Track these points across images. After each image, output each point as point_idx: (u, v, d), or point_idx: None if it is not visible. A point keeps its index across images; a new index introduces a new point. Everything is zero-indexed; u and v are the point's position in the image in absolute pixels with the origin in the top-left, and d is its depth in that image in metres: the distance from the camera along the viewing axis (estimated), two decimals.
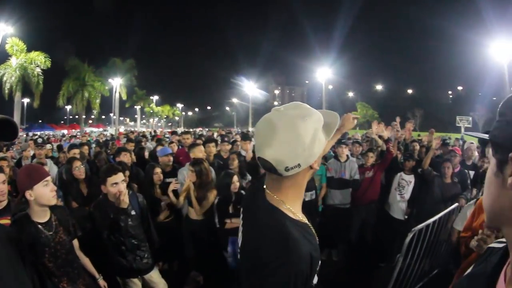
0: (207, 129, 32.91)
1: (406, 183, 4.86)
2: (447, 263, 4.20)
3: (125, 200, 2.77)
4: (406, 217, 4.91)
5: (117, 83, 33.19)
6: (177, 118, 73.26)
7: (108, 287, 2.77)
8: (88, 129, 40.09)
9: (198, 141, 5.64)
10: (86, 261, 2.65)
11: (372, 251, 4.86)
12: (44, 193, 2.16)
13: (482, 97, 49.29)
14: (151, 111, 54.57)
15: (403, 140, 6.26)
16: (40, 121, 54.26)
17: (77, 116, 35.13)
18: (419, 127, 42.14)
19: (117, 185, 2.79)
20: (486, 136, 0.68)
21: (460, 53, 54.60)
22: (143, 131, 26.32)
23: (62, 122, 62.36)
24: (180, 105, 73.54)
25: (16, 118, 21.28)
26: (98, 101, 29.87)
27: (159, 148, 5.72)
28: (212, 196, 3.85)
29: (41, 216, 2.24)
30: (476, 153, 5.78)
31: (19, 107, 21.84)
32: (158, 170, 4.30)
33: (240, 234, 1.24)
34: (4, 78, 20.83)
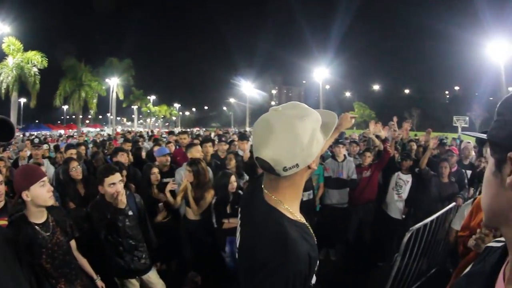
0: (204, 129, 32.88)
1: (403, 182, 4.87)
2: (445, 262, 4.22)
3: (122, 200, 2.76)
4: (403, 216, 4.93)
5: (114, 83, 33.06)
6: (174, 118, 73.07)
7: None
8: (85, 129, 39.97)
9: (196, 141, 5.63)
10: (83, 262, 2.63)
11: (370, 250, 4.87)
12: (41, 193, 2.15)
13: (478, 97, 49.51)
14: (148, 111, 54.43)
15: (400, 139, 6.27)
16: (36, 121, 54.03)
17: (74, 116, 34.89)
18: (416, 127, 42.34)
19: (115, 185, 2.78)
20: (484, 136, 0.68)
21: (457, 53, 54.87)
22: (141, 131, 26.26)
23: (59, 122, 62.00)
24: (177, 105, 73.43)
25: (13, 118, 21.15)
26: (95, 101, 29.69)
27: (156, 148, 5.70)
28: (210, 196, 3.85)
29: (38, 217, 2.22)
30: (473, 153, 5.80)
31: (15, 107, 21.69)
32: (155, 170, 4.30)
33: (238, 234, 1.24)
34: (1, 78, 20.65)
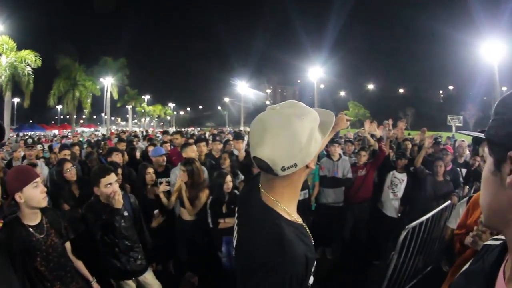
0: (198, 129, 32.80)
1: (398, 181, 4.89)
2: (441, 260, 4.24)
3: (119, 200, 2.74)
4: (399, 215, 4.96)
5: (108, 83, 32.92)
6: (168, 117, 72.88)
7: None
8: (79, 129, 39.73)
9: (190, 141, 5.62)
10: (79, 264, 2.60)
11: (366, 249, 4.89)
12: (34, 195, 2.11)
13: (472, 96, 49.83)
14: (143, 111, 54.21)
15: (395, 139, 6.31)
16: (30, 121, 53.56)
17: (68, 116, 34.75)
18: (411, 126, 42.50)
19: (111, 185, 2.76)
20: (481, 135, 0.69)
21: (451, 53, 55.33)
22: (135, 131, 26.16)
23: (53, 122, 61.47)
24: (171, 105, 73.25)
25: (6, 118, 20.95)
26: (89, 100, 29.52)
27: (151, 148, 5.68)
28: (204, 196, 3.84)
29: (32, 219, 2.19)
30: (467, 151, 5.84)
31: (9, 107, 21.44)
32: (150, 170, 4.28)
33: (235, 233, 1.23)
34: None
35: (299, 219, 1.12)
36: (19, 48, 20.97)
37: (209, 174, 4.38)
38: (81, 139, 15.04)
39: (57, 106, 35.07)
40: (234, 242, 1.21)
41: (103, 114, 41.22)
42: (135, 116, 59.79)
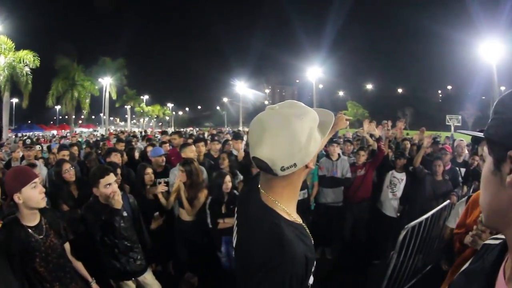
0: (197, 129, 32.77)
1: (397, 181, 4.90)
2: (440, 259, 4.25)
3: (119, 200, 2.74)
4: (398, 214, 4.96)
5: (107, 83, 32.86)
6: (167, 118, 72.82)
7: None
8: (78, 130, 39.73)
9: (189, 141, 5.61)
10: (78, 265, 2.59)
11: (366, 248, 4.89)
12: (33, 195, 2.11)
13: (471, 96, 49.95)
14: (142, 111, 54.17)
15: (394, 138, 6.31)
16: (29, 121, 53.53)
17: (66, 117, 34.56)
18: (409, 126, 42.56)
19: (111, 185, 2.76)
20: (480, 134, 0.68)
21: (449, 53, 55.30)
22: (134, 131, 26.14)
23: (52, 122, 61.45)
24: (170, 105, 73.23)
25: (5, 119, 20.93)
26: (88, 101, 29.42)
27: (149, 148, 5.67)
28: (203, 196, 3.83)
29: (31, 220, 2.18)
30: (466, 151, 5.84)
31: (7, 108, 21.39)
32: (149, 170, 4.27)
33: (234, 234, 1.22)
34: None
35: (298, 219, 1.12)
36: (17, 48, 20.94)
37: (208, 174, 4.38)
38: (80, 139, 15.03)
39: (55, 107, 34.98)
40: (234, 242, 1.21)
41: (101, 115, 41.15)
42: (133, 116, 59.75)
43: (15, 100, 33.76)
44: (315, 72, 35.63)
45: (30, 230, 2.14)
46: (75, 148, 6.48)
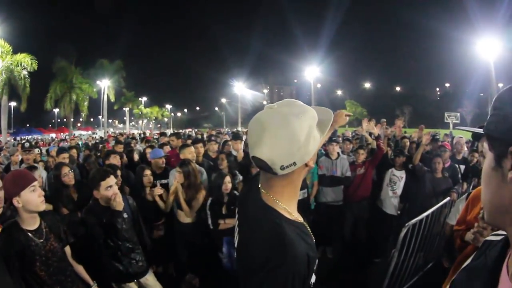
0: (196, 130, 32.75)
1: (397, 178, 4.90)
2: (441, 256, 4.25)
3: (120, 202, 2.73)
4: (398, 212, 4.96)
5: (105, 85, 32.84)
6: (166, 119, 72.85)
7: None
8: (76, 132, 39.63)
9: (188, 142, 5.60)
10: (79, 268, 2.57)
11: (366, 247, 4.89)
12: (32, 199, 2.10)
13: (469, 93, 49.97)
14: (140, 113, 54.17)
15: (393, 136, 6.31)
16: (27, 125, 53.38)
17: (65, 119, 34.56)
18: (408, 124, 42.60)
19: (111, 188, 2.75)
20: (480, 130, 0.68)
21: (447, 51, 55.62)
22: (133, 133, 26.09)
23: (50, 125, 61.43)
24: (169, 106, 73.28)
25: (3, 123, 20.91)
26: (86, 103, 29.40)
27: (148, 150, 5.66)
28: (201, 196, 3.82)
29: (31, 223, 2.17)
30: (465, 148, 5.85)
31: (6, 111, 21.34)
32: (148, 172, 4.25)
33: (236, 234, 1.22)
34: None
35: (299, 218, 1.12)
36: (15, 52, 20.86)
37: (207, 175, 4.37)
38: (79, 142, 14.99)
39: (54, 110, 34.94)
40: (235, 243, 1.21)
41: (100, 117, 41.16)
42: (132, 118, 59.75)
43: (13, 104, 33.72)
44: (313, 71, 35.68)
45: (30, 234, 2.13)
46: (74, 151, 6.46)
